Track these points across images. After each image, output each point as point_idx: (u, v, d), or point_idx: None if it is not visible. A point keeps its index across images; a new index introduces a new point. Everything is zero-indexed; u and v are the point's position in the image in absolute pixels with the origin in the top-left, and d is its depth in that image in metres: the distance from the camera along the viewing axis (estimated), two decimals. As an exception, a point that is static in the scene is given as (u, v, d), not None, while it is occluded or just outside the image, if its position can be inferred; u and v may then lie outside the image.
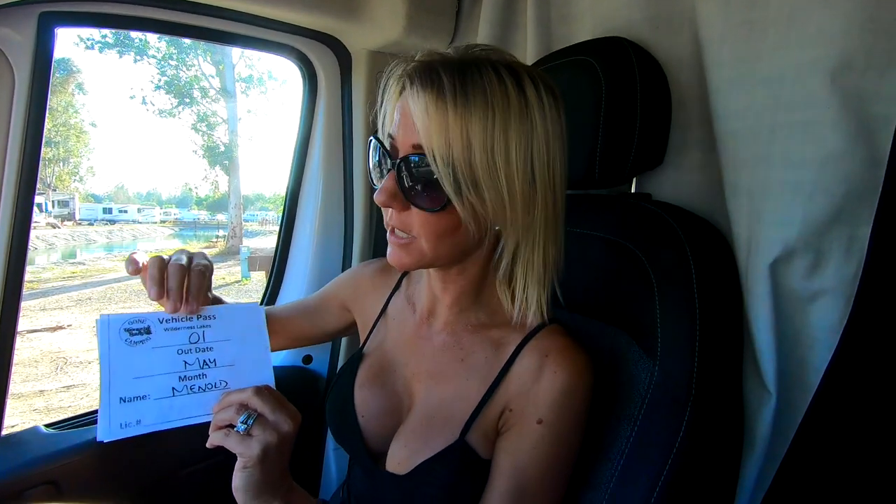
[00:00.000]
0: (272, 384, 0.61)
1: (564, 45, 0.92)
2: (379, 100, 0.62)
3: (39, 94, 0.92)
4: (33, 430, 1.00)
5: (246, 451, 0.54)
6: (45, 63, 0.92)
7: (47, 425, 1.02)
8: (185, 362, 0.57)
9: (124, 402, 0.54)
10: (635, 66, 0.79)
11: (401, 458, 0.66)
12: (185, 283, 0.59)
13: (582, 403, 0.63)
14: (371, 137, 0.63)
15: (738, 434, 0.69)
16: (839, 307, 0.63)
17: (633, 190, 0.93)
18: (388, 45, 1.24)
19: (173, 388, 0.56)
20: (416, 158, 0.55)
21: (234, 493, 0.57)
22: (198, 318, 0.59)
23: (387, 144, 0.60)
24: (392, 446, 0.68)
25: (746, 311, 0.69)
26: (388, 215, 0.61)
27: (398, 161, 0.57)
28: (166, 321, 0.57)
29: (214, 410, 0.57)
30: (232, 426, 0.56)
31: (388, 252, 0.63)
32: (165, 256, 0.61)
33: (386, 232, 0.72)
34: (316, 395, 1.34)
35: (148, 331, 0.56)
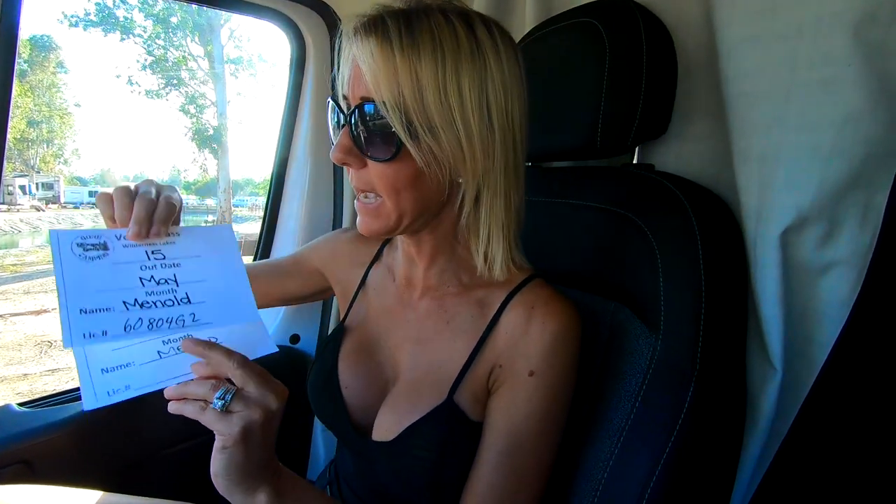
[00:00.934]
0: (256, 318, 0.54)
1: (566, 10, 0.87)
2: (336, 63, 0.60)
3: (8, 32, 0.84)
4: (5, 409, 0.95)
5: (225, 429, 0.47)
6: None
7: (20, 404, 0.98)
8: (152, 276, 0.52)
9: (85, 312, 0.48)
10: (641, 29, 0.75)
11: (388, 425, 0.63)
12: (152, 211, 0.54)
13: (572, 352, 0.61)
14: (328, 99, 0.61)
15: (741, 410, 0.67)
16: (851, 280, 0.60)
17: (634, 161, 0.89)
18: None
19: (140, 301, 0.50)
20: (367, 107, 0.54)
21: (213, 479, 0.50)
22: (153, 255, 0.53)
23: (342, 104, 0.59)
24: (378, 416, 0.65)
25: (752, 284, 0.66)
26: (351, 176, 0.59)
27: (348, 114, 0.56)
28: (124, 238, 0.52)
29: (172, 394, 0.50)
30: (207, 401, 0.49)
31: (359, 217, 0.62)
32: (133, 186, 0.56)
33: None
34: (303, 376, 1.30)
35: (105, 246, 0.51)
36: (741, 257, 0.68)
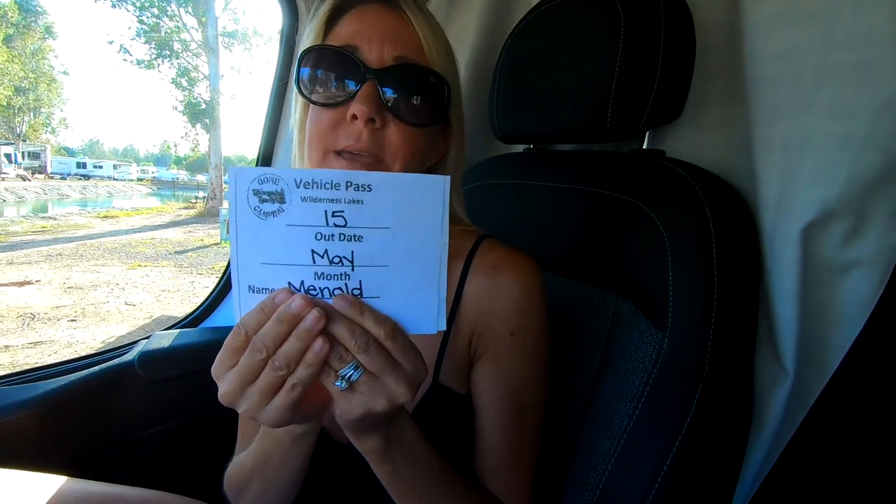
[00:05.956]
0: (437, 305, 0.42)
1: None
2: (325, 14, 0.57)
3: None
4: (-33, 385, 0.90)
5: (344, 405, 0.40)
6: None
7: (-16, 380, 0.92)
8: (326, 251, 0.40)
9: (253, 291, 0.40)
10: (660, 3, 0.69)
11: None
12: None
13: (543, 302, 0.61)
14: (316, 47, 0.56)
15: (748, 414, 0.64)
16: (874, 281, 0.56)
17: (644, 146, 0.84)
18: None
19: (305, 286, 0.40)
20: (411, 68, 0.55)
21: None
22: (347, 188, 0.39)
23: (358, 58, 0.54)
24: None
25: (766, 281, 0.62)
26: (357, 135, 0.52)
27: (380, 69, 0.53)
28: (305, 185, 0.39)
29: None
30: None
31: None
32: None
33: None
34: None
35: (281, 198, 0.39)
36: (755, 252, 0.64)
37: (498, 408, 0.59)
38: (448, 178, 0.40)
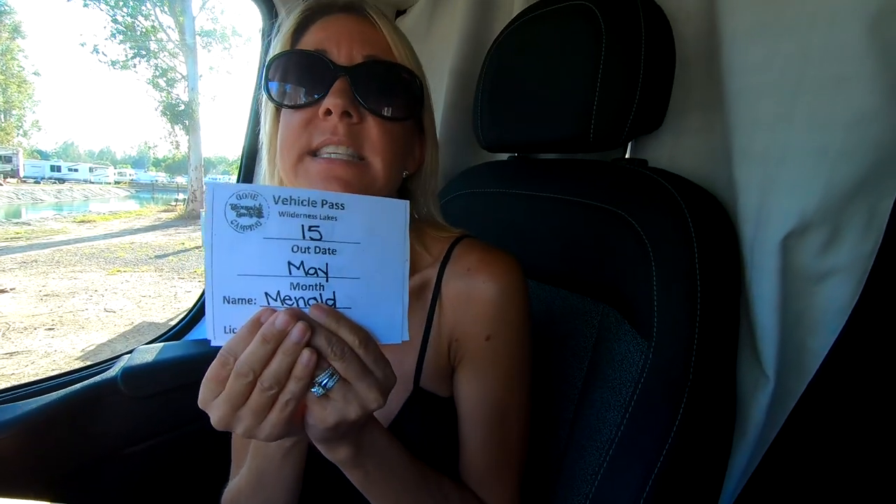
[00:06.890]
0: (401, 317, 0.45)
1: (559, -9, 0.82)
2: (275, 28, 0.60)
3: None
4: (-59, 408, 0.87)
5: (319, 413, 0.41)
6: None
7: (-42, 402, 0.89)
8: (303, 263, 0.42)
9: (229, 302, 0.41)
10: (641, 15, 0.70)
11: None
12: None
13: (521, 302, 0.60)
14: (284, 53, 0.56)
15: (731, 420, 0.65)
16: (850, 288, 0.58)
17: (626, 156, 0.86)
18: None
19: (282, 296, 0.42)
20: (381, 65, 0.55)
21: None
22: (322, 206, 0.42)
23: (327, 58, 0.55)
24: None
25: (748, 289, 0.64)
26: (333, 128, 0.52)
27: (353, 66, 0.54)
28: (283, 201, 0.41)
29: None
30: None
31: (325, 176, 0.52)
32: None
33: None
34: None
35: (259, 213, 0.41)
36: (736, 262, 0.65)
37: (478, 412, 0.60)
38: (408, 202, 0.44)
